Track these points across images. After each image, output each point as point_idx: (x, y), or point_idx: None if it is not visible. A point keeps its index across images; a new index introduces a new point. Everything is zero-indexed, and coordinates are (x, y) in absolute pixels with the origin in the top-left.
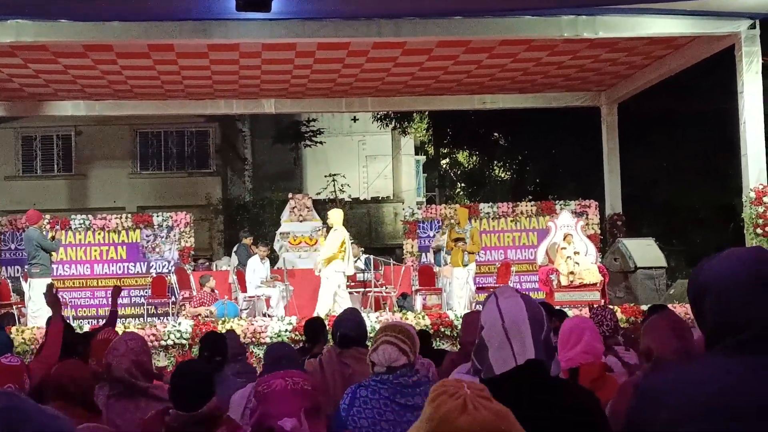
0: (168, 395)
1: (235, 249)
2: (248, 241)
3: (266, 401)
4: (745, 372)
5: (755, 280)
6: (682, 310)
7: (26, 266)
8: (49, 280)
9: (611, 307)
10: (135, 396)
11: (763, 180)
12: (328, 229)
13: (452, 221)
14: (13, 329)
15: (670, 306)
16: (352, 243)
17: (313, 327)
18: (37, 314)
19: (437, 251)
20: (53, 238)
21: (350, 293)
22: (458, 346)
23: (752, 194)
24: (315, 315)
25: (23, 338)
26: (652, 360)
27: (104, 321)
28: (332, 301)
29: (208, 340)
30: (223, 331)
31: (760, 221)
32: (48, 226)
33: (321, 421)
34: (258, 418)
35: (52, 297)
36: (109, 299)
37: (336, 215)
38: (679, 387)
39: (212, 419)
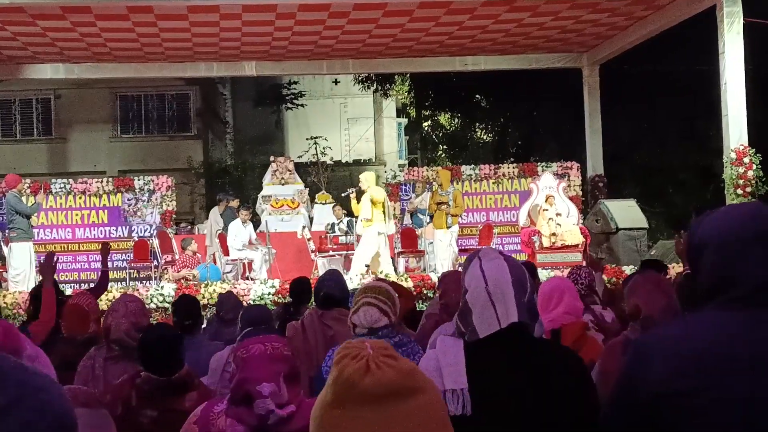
0: (138, 360)
1: (220, 212)
2: (235, 203)
3: (245, 366)
4: (739, 326)
5: (750, 236)
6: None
7: (6, 231)
8: (29, 244)
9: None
10: (133, 358)
11: (743, 141)
12: (361, 192)
13: (434, 183)
14: None
15: None
16: (333, 206)
17: (299, 287)
18: (17, 279)
19: (414, 213)
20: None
21: (332, 256)
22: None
23: (733, 155)
24: (353, 271)
25: (5, 302)
26: (640, 319)
27: (96, 282)
28: (369, 261)
29: (179, 304)
30: (206, 293)
31: (741, 182)
32: (29, 191)
33: (299, 386)
34: (237, 384)
35: (46, 264)
36: (91, 263)
37: (365, 177)
38: (674, 342)
39: (185, 385)
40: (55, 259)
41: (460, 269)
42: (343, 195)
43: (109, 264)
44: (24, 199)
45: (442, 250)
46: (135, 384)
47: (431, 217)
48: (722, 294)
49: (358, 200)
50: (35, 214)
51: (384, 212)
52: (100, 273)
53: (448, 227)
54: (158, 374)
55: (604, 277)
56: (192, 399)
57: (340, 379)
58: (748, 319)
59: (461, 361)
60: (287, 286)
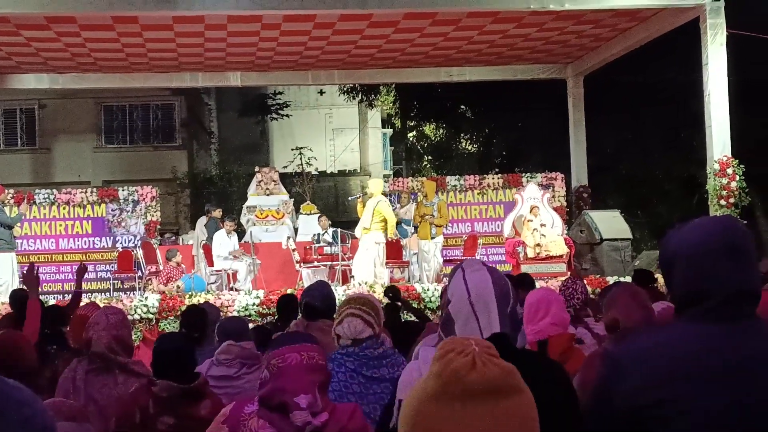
0: (151, 368)
1: (204, 222)
2: (218, 213)
3: (281, 375)
4: (709, 338)
5: (721, 248)
6: None
7: None
8: (12, 255)
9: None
10: (114, 371)
11: (727, 152)
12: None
13: (418, 193)
14: None
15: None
16: (319, 216)
17: (285, 304)
18: (0, 290)
19: (398, 223)
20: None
21: (317, 266)
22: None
23: (716, 166)
24: (352, 283)
25: None
26: (618, 331)
27: (68, 301)
28: (359, 271)
29: (188, 316)
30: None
31: (724, 192)
32: (12, 201)
33: (327, 393)
34: (269, 392)
35: (29, 276)
36: (75, 274)
37: (373, 184)
38: (646, 354)
39: (200, 393)
40: (36, 269)
41: (446, 280)
42: (350, 199)
43: (94, 275)
44: (7, 209)
45: (427, 261)
46: (152, 391)
47: (416, 228)
48: (693, 306)
49: (364, 205)
50: (18, 225)
51: (384, 223)
52: (72, 294)
53: (432, 238)
54: (174, 381)
55: (588, 287)
56: (207, 407)
57: (446, 373)
58: (718, 332)
59: None
60: (272, 297)
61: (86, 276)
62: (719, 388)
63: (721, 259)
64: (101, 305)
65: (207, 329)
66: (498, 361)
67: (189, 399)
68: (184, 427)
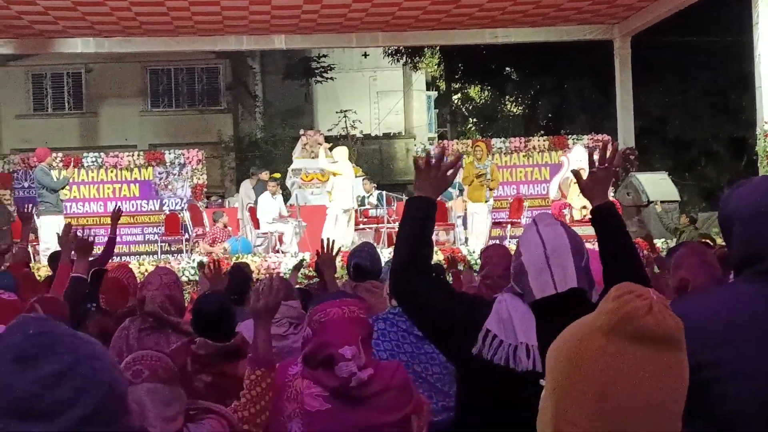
0: (192, 327)
1: (253, 185)
2: (265, 176)
3: (324, 330)
4: (764, 299)
5: None
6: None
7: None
8: (59, 218)
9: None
10: (167, 330)
11: None
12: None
13: (465, 155)
14: (32, 266)
15: None
16: (363, 179)
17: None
18: (47, 253)
19: None
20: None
21: (363, 229)
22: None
23: (766, 127)
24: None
25: (39, 275)
26: (688, 292)
27: (102, 248)
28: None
29: (234, 275)
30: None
31: None
32: (61, 164)
33: (370, 350)
34: (314, 348)
35: (64, 237)
36: (123, 236)
37: (337, 152)
38: (701, 314)
39: (238, 351)
40: (74, 231)
41: (492, 242)
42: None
43: (142, 237)
44: (55, 172)
45: (479, 223)
46: (190, 350)
47: (461, 191)
48: (750, 266)
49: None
50: (64, 188)
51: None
52: (107, 240)
53: (486, 201)
54: (213, 340)
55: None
56: (245, 365)
57: (621, 311)
58: None
59: (532, 318)
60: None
61: (134, 239)
62: (764, 350)
63: None
64: (151, 267)
65: (250, 288)
66: (672, 314)
67: (227, 357)
68: (221, 384)
